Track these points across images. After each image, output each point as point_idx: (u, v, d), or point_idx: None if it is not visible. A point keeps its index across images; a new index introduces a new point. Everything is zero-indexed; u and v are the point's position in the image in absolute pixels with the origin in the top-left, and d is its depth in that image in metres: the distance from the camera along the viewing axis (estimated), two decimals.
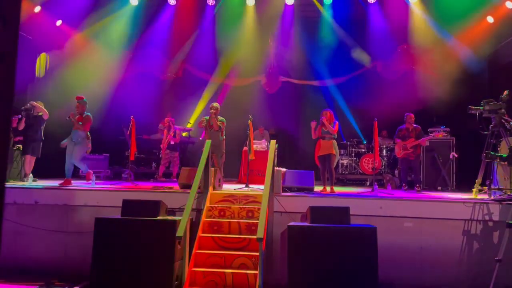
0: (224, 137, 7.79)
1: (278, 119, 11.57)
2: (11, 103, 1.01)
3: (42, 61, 10.02)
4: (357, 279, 4.75)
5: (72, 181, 7.17)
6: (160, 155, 9.59)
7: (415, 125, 8.42)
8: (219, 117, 7.69)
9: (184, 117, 11.19)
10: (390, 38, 10.87)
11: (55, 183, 7.13)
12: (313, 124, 7.26)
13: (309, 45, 11.31)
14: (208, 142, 6.46)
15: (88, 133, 7.40)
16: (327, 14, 11.04)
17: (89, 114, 7.42)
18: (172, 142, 9.37)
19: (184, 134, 10.27)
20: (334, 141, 7.27)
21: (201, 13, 11.35)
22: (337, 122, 7.37)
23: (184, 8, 11.19)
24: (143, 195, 6.19)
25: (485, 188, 6.35)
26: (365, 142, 10.47)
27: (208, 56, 11.70)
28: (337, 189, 7.48)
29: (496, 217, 5.62)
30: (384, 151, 9.90)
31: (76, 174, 9.59)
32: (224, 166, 7.86)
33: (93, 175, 7.58)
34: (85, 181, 7.59)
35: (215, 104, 7.72)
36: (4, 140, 1.04)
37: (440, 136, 8.83)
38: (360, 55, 10.99)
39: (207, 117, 7.70)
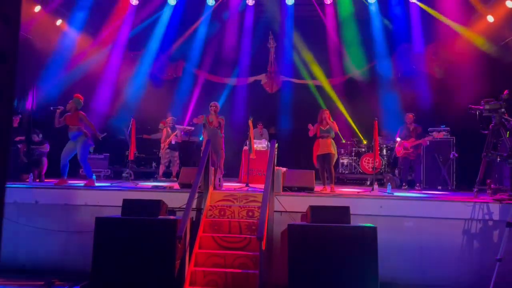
0: (223, 134, 7.79)
1: (278, 119, 11.57)
2: (12, 102, 1.01)
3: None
4: (357, 279, 4.75)
5: (67, 181, 7.15)
6: (160, 154, 9.57)
7: (416, 125, 8.41)
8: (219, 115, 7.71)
9: (183, 117, 11.20)
10: (391, 37, 10.88)
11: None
12: (310, 126, 7.28)
13: (309, 44, 11.30)
14: (207, 142, 6.47)
15: (85, 130, 7.22)
16: (327, 13, 11.04)
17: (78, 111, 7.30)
18: (173, 142, 9.36)
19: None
20: (332, 140, 7.28)
21: (201, 13, 11.35)
22: (334, 122, 7.38)
23: (184, 7, 11.20)
24: (144, 195, 6.19)
25: (486, 187, 6.35)
26: (364, 142, 10.47)
27: (208, 55, 11.71)
28: (337, 188, 7.48)
29: (496, 217, 5.62)
30: (384, 150, 9.90)
31: (76, 173, 9.60)
32: (224, 165, 7.85)
33: (95, 182, 7.31)
34: (85, 180, 7.55)
35: (216, 103, 7.75)
36: (5, 140, 1.04)
37: (441, 136, 8.81)
38: None
39: (205, 116, 7.70)
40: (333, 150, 7.19)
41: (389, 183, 7.68)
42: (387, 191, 6.98)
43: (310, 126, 7.30)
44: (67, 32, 10.13)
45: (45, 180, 8.10)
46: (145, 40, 11.32)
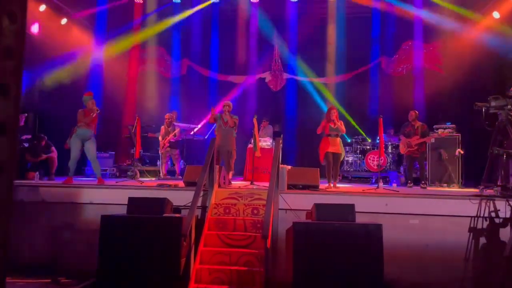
0: (236, 135, 7.81)
1: (283, 117, 11.57)
2: (18, 100, 1.01)
3: None
4: (362, 277, 4.74)
5: (73, 180, 7.19)
6: (159, 152, 9.50)
7: (421, 122, 8.35)
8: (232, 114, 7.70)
9: (189, 115, 11.22)
10: (396, 34, 10.83)
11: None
12: (323, 122, 7.25)
13: (313, 42, 11.28)
14: (213, 140, 6.48)
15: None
16: (331, 11, 11.01)
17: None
18: (172, 140, 9.30)
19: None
20: (340, 139, 7.26)
21: (205, 11, 11.36)
22: (341, 121, 7.33)
23: (189, 5, 11.21)
24: (149, 193, 6.22)
25: (492, 184, 6.30)
26: (369, 140, 10.42)
27: (213, 54, 11.72)
28: (342, 186, 7.46)
29: (502, 214, 5.57)
30: (389, 148, 9.86)
31: (82, 172, 9.64)
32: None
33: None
34: (91, 179, 7.58)
35: (229, 102, 7.74)
36: (12, 138, 1.05)
37: (446, 134, 8.75)
38: None
39: (219, 115, 7.69)
40: (342, 150, 7.21)
41: (394, 180, 7.65)
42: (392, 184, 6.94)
43: (323, 123, 7.26)
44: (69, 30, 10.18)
45: (55, 178, 8.13)
46: (150, 38, 11.34)
